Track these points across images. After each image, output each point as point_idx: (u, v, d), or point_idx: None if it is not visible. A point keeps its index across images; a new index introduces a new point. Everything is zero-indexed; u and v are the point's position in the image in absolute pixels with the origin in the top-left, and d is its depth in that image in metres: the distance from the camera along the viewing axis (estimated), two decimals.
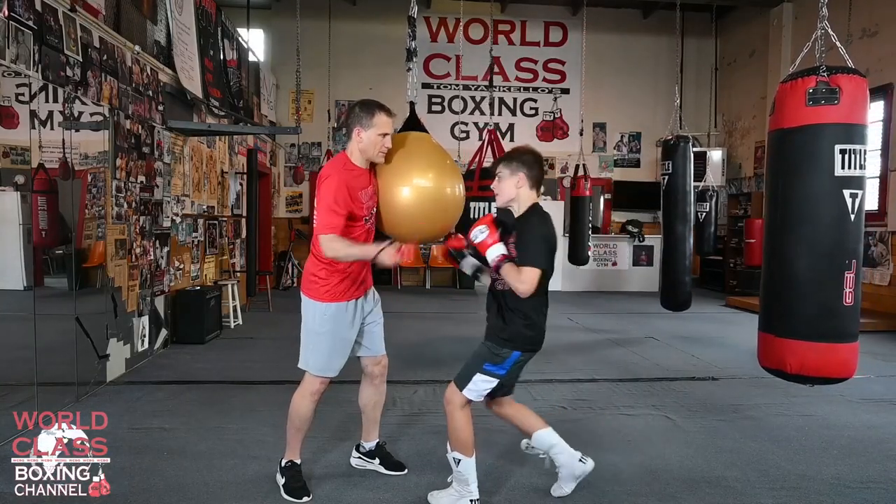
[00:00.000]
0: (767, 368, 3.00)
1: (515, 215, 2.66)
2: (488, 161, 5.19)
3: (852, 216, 2.73)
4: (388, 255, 2.56)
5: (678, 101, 6.66)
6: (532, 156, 2.64)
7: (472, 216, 4.65)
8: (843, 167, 2.70)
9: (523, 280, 2.44)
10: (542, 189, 2.69)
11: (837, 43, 2.89)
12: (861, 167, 2.72)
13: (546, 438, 2.75)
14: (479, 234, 2.51)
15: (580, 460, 2.75)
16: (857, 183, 2.73)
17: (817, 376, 2.84)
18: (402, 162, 2.83)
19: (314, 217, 2.72)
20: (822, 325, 2.78)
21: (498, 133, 5.29)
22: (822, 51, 2.82)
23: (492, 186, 2.69)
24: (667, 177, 6.22)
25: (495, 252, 2.48)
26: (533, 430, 2.77)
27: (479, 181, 4.77)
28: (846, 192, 2.71)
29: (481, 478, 2.69)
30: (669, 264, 6.24)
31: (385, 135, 2.70)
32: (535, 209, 2.62)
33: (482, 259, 2.60)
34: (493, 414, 2.86)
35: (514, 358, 2.58)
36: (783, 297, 2.88)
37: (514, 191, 2.61)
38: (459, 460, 2.59)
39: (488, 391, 2.61)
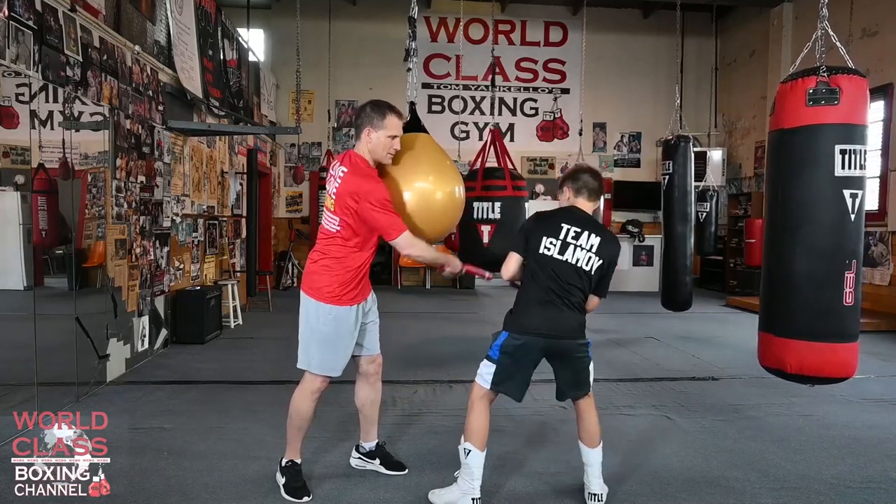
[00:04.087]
0: (767, 368, 2.99)
1: None
2: (491, 161, 5.17)
3: (852, 216, 2.72)
4: (457, 264, 2.89)
5: (679, 100, 6.65)
6: (569, 175, 2.83)
7: (475, 216, 4.62)
8: (843, 167, 2.69)
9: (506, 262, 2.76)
10: (582, 195, 2.78)
11: (837, 43, 2.88)
12: (861, 167, 2.72)
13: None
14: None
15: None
16: (858, 183, 2.72)
17: (817, 376, 2.84)
18: (404, 165, 2.83)
19: (340, 219, 2.67)
20: (821, 325, 2.77)
21: (500, 132, 5.24)
22: (822, 51, 2.81)
23: None
24: (667, 177, 6.22)
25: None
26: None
27: (482, 181, 4.74)
28: (846, 193, 2.71)
29: (482, 477, 2.69)
30: (670, 264, 6.25)
31: (394, 137, 2.72)
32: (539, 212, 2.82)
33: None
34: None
35: (501, 338, 2.64)
36: (783, 297, 2.87)
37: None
38: (469, 451, 2.61)
39: (489, 378, 2.63)
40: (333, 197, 2.71)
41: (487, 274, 3.05)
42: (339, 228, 2.69)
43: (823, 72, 2.69)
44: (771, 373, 2.99)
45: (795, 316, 2.81)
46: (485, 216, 4.50)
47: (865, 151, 2.74)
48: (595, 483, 2.73)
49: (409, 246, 2.68)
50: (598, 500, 2.71)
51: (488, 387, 2.64)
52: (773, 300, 2.95)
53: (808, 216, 2.77)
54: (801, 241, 2.79)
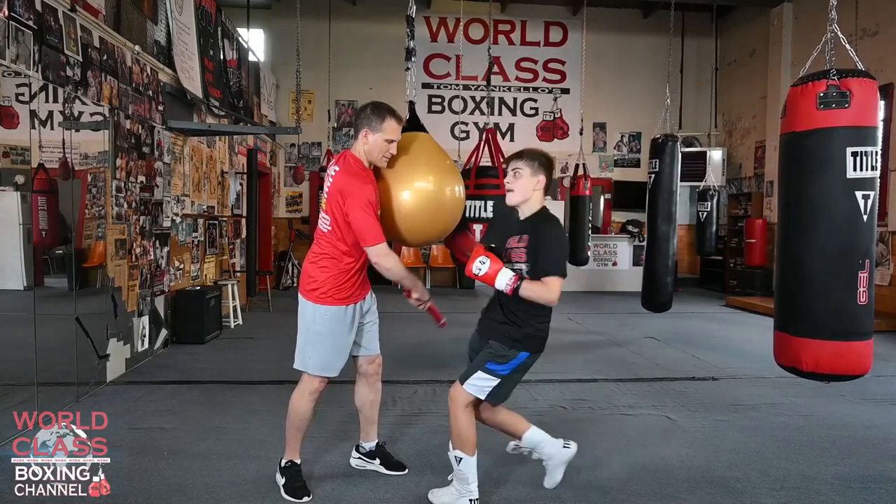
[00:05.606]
0: (783, 366, 3.02)
1: (521, 217, 2.65)
2: (486, 160, 5.16)
3: (865, 216, 2.74)
4: (423, 292, 2.85)
5: (668, 100, 6.65)
6: (549, 161, 2.66)
7: (467, 215, 4.62)
8: (854, 169, 2.71)
9: (552, 290, 2.48)
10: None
11: (847, 45, 2.88)
12: (872, 168, 2.73)
13: (533, 437, 2.76)
14: (481, 266, 2.48)
15: (564, 446, 2.77)
16: (870, 184, 2.74)
17: (832, 374, 2.87)
18: (404, 164, 2.82)
19: (331, 219, 2.67)
20: (836, 324, 2.80)
21: (497, 132, 5.22)
22: (831, 54, 2.82)
23: (506, 181, 2.63)
24: (653, 175, 6.22)
25: (505, 278, 2.47)
26: (521, 432, 2.76)
27: (474, 180, 4.73)
28: (858, 194, 2.73)
29: (480, 478, 2.68)
30: (651, 264, 6.20)
31: (392, 141, 2.71)
32: (548, 213, 2.63)
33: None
34: (486, 422, 2.77)
35: (520, 359, 2.58)
36: (798, 297, 2.89)
37: (530, 192, 2.61)
38: (461, 459, 2.58)
39: (489, 390, 2.58)
40: (326, 196, 2.71)
41: (443, 320, 2.97)
42: (331, 228, 2.68)
43: (834, 75, 2.70)
44: (786, 371, 3.01)
45: (810, 315, 2.84)
46: (477, 215, 4.48)
47: (877, 152, 2.75)
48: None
49: (382, 256, 2.64)
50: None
51: (483, 397, 2.59)
52: (788, 300, 2.97)
53: (821, 217, 2.80)
54: (815, 242, 2.82)
